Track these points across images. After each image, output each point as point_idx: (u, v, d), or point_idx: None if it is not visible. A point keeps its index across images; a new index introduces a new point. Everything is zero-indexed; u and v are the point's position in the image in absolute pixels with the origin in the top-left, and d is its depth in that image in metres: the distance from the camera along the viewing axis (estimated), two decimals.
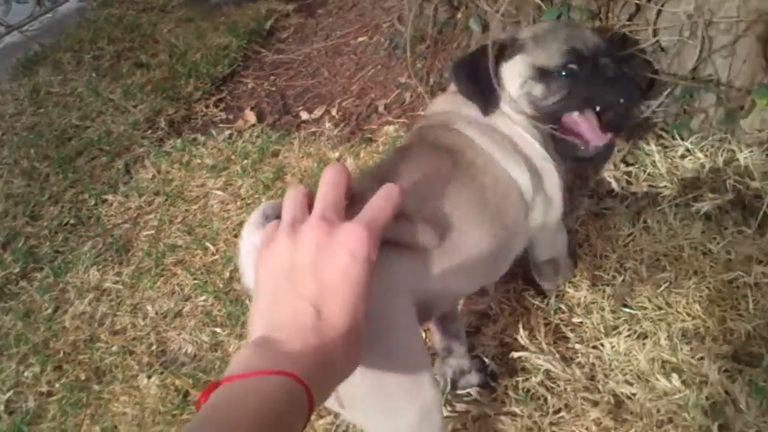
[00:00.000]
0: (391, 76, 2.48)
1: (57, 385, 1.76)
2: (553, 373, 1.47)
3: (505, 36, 1.43)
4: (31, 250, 2.18)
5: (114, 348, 1.82)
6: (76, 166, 2.45)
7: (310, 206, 0.81)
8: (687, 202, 1.66)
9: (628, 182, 1.76)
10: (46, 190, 2.37)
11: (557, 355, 1.49)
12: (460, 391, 1.51)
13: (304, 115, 2.50)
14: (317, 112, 2.49)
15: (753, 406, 1.33)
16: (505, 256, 1.32)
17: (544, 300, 1.60)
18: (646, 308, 1.52)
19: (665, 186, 1.70)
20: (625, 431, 1.37)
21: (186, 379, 1.66)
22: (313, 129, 2.40)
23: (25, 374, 1.81)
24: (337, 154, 2.22)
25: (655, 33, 1.65)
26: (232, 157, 2.33)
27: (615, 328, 1.51)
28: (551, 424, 1.42)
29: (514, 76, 1.37)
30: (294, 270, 0.75)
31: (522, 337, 1.51)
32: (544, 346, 1.51)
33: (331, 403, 0.99)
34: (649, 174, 1.74)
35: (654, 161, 1.72)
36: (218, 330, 1.76)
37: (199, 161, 2.35)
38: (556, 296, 1.60)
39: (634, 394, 1.42)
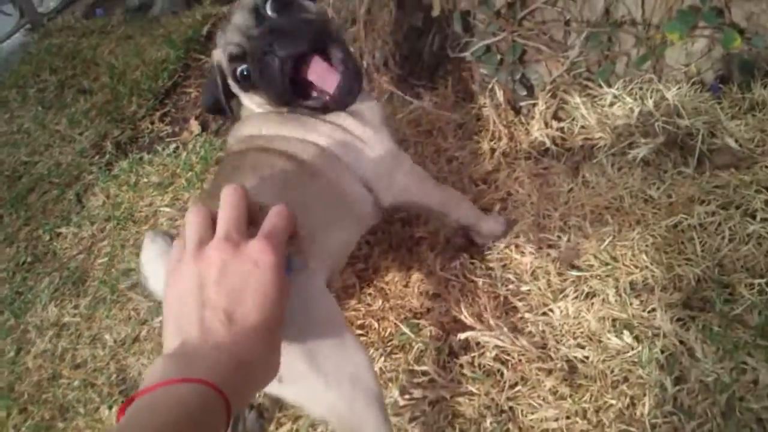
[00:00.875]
0: None
1: (23, 429, 1.75)
2: (504, 347, 1.44)
3: None
4: None
5: (76, 383, 1.80)
6: (28, 203, 2.44)
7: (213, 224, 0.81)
8: (623, 151, 1.61)
9: (563, 138, 1.71)
10: (0, 232, 2.35)
11: (505, 329, 1.46)
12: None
13: None
14: None
15: (709, 353, 1.29)
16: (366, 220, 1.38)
17: (491, 272, 1.57)
18: (592, 266, 1.48)
19: (600, 137, 1.65)
20: (580, 397, 1.34)
21: None
22: None
23: None
24: None
25: None
26: (177, 171, 2.30)
27: (562, 291, 1.47)
28: (508, 399, 1.38)
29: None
30: (202, 287, 0.75)
31: (466, 316, 1.48)
32: (492, 321, 1.47)
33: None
34: (582, 127, 1.69)
35: (583, 114, 1.67)
36: None
37: (146, 180, 2.32)
38: (503, 265, 1.57)
39: (587, 357, 1.38)
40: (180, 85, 2.76)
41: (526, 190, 1.64)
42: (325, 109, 1.32)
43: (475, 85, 1.83)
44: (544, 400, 1.36)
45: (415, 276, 1.61)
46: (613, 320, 1.40)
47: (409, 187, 1.42)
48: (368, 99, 1.38)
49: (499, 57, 1.77)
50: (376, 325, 1.57)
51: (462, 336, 1.47)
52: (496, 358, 1.45)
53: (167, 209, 2.17)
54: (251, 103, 1.35)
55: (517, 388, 1.39)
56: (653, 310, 1.37)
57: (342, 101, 1.30)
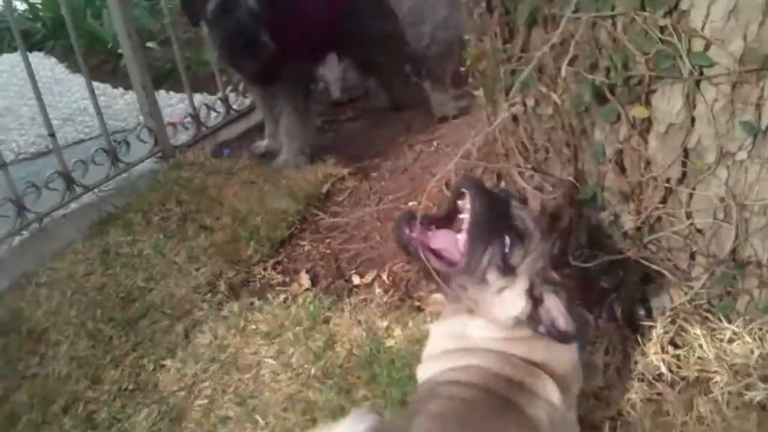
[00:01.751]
0: None
1: None
2: None
3: None
4: (90, 416, 2.24)
5: None
6: (138, 329, 2.55)
7: None
8: (739, 391, 1.62)
9: (678, 366, 1.74)
10: (108, 353, 2.46)
11: None
12: None
13: (356, 280, 2.58)
14: (368, 277, 2.57)
15: None
16: None
17: None
18: None
19: (716, 371, 1.68)
20: None
21: None
22: (363, 295, 2.46)
23: None
24: (385, 323, 2.27)
25: (689, 215, 1.68)
26: (285, 323, 2.39)
27: None
28: None
29: None
30: None
31: None
32: None
33: None
34: (698, 358, 1.72)
35: (701, 345, 1.70)
36: None
37: (254, 327, 2.42)
38: None
39: None
40: (295, 237, 2.92)
41: (638, 413, 1.66)
42: None
43: (594, 297, 1.89)
44: None
45: None
46: None
47: None
48: None
49: (621, 274, 1.84)
50: None
51: None
52: None
53: (272, 361, 2.25)
54: None
55: None
56: None
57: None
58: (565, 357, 1.42)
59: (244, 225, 2.97)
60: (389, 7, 3.79)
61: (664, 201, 1.73)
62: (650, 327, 1.80)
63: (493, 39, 1.94)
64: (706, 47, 1.54)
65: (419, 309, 2.28)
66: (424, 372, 1.48)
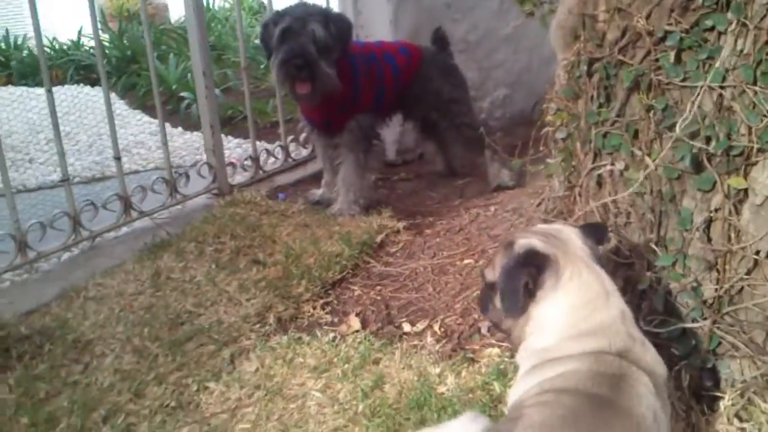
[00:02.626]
0: None
1: None
2: None
3: None
4: (129, 428, 2.21)
5: None
6: (184, 351, 2.54)
7: None
8: None
9: None
10: (152, 370, 2.44)
11: None
12: None
13: (407, 327, 2.57)
14: (420, 326, 2.55)
15: None
16: None
17: None
18: None
19: None
20: None
21: None
22: (414, 342, 2.45)
23: None
24: (438, 370, 2.24)
25: None
26: (334, 360, 2.37)
27: None
28: None
29: None
30: None
31: None
32: None
33: None
34: None
35: None
36: None
37: (302, 360, 2.40)
38: None
39: None
40: (346, 281, 2.94)
41: None
42: None
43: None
44: None
45: None
46: None
47: None
48: None
49: (693, 342, 1.82)
50: None
51: None
52: None
53: (318, 394, 2.22)
54: None
55: None
56: None
57: None
58: (644, 341, 1.46)
59: (296, 263, 2.99)
60: (461, 75, 3.91)
61: (749, 273, 1.72)
62: (717, 398, 1.77)
63: (588, 102, 1.99)
64: None
65: (473, 360, 2.26)
66: (515, 392, 1.46)
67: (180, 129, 5.64)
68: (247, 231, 3.35)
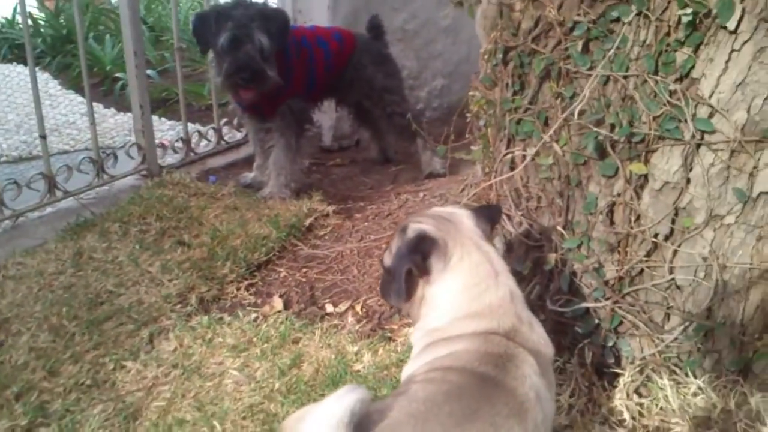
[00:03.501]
0: None
1: None
2: None
3: None
4: (42, 405, 2.18)
5: None
6: (102, 330, 2.51)
7: None
8: None
9: (641, 414, 1.77)
10: (69, 349, 2.41)
11: None
12: None
13: (329, 308, 2.59)
14: (342, 307, 2.58)
15: None
16: None
17: None
18: None
19: (677, 422, 1.71)
20: None
21: None
22: (336, 322, 2.48)
23: None
24: (356, 349, 2.27)
25: (671, 271, 1.75)
26: (254, 339, 2.38)
27: None
28: None
29: None
30: None
31: None
32: None
33: None
34: (661, 408, 1.76)
35: (666, 396, 1.74)
36: None
37: (221, 340, 2.40)
38: None
39: None
40: (272, 263, 2.94)
41: None
42: None
43: (566, 341, 1.93)
44: None
45: None
46: None
47: None
48: None
49: (596, 321, 1.89)
50: None
51: None
52: None
53: (235, 372, 2.23)
54: None
55: None
56: None
57: None
58: (531, 321, 1.51)
59: (222, 245, 2.98)
60: (394, 64, 3.94)
61: (648, 255, 1.80)
62: (618, 375, 1.84)
63: (503, 89, 2.04)
64: (711, 115, 1.65)
65: (390, 339, 2.30)
66: (407, 370, 1.49)
67: (113, 110, 5.51)
68: (174, 212, 3.32)
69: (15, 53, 7.68)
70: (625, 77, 1.73)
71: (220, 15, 3.27)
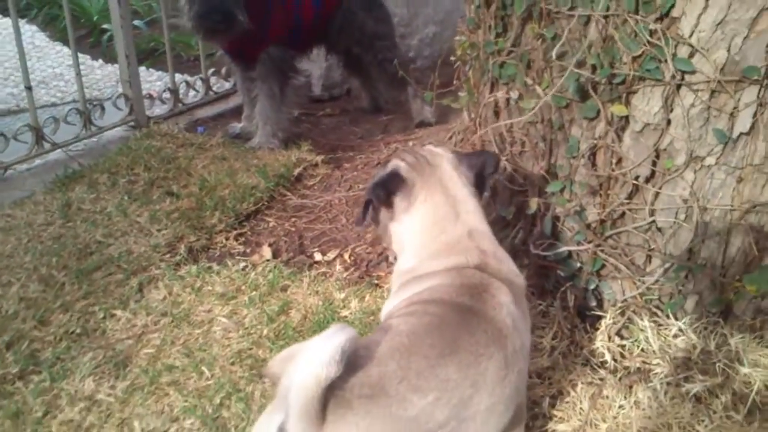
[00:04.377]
0: None
1: None
2: None
3: None
4: (33, 354, 2.21)
5: None
6: (92, 279, 2.52)
7: None
8: (678, 382, 1.69)
9: (622, 355, 1.80)
10: (59, 298, 2.43)
11: None
12: None
13: (318, 256, 2.61)
14: (330, 255, 2.60)
15: None
16: None
17: None
18: None
19: (657, 363, 1.74)
20: None
21: None
22: (324, 270, 2.50)
23: None
24: (343, 295, 2.30)
25: (652, 213, 1.76)
26: (243, 287, 2.40)
27: None
28: None
29: None
30: None
31: None
32: None
33: None
34: (642, 350, 1.78)
35: (647, 337, 1.77)
36: None
37: (210, 288, 2.42)
38: None
39: None
40: (261, 213, 2.95)
41: (578, 393, 1.71)
42: None
43: (548, 284, 1.95)
44: None
45: None
46: None
47: None
48: None
49: (578, 265, 1.90)
50: None
51: None
52: None
53: (224, 320, 2.26)
54: None
55: None
56: None
57: None
58: (497, 253, 1.53)
59: (210, 195, 2.98)
60: (385, 10, 3.88)
61: (629, 198, 1.81)
62: (600, 317, 1.86)
63: (486, 32, 2.01)
64: (691, 54, 1.63)
65: (378, 286, 2.31)
66: (386, 308, 1.52)
67: (100, 61, 5.45)
68: (162, 163, 3.31)
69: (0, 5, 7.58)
70: (606, 17, 1.71)
71: None
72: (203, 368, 2.05)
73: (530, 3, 1.86)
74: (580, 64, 1.77)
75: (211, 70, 4.34)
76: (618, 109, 1.73)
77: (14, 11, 3.35)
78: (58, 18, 6.66)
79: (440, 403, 1.19)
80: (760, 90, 1.56)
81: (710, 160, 1.68)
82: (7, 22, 6.89)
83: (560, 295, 1.90)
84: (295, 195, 3.07)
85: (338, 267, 2.50)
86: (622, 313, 1.83)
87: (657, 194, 1.75)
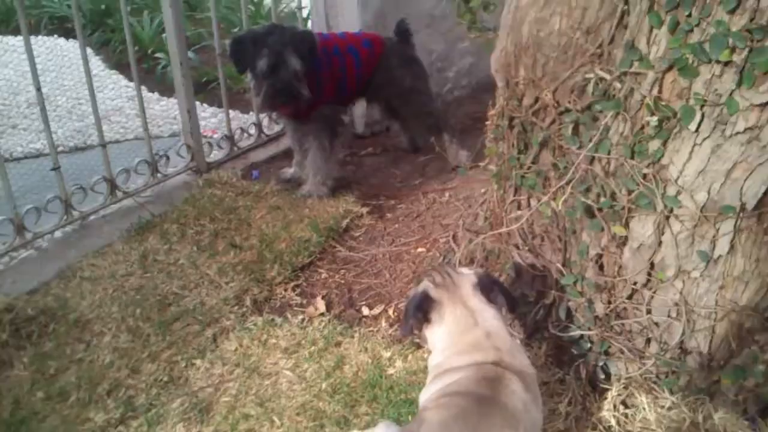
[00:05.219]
0: None
1: None
2: None
3: None
4: (129, 400, 2.60)
5: None
6: (172, 330, 2.93)
7: None
8: None
9: (625, 422, 2.17)
10: (146, 348, 2.83)
11: None
12: None
13: (365, 311, 2.99)
14: (376, 310, 2.98)
15: None
16: None
17: None
18: None
19: (654, 430, 2.10)
20: None
21: None
22: (371, 326, 2.88)
23: None
24: (389, 354, 2.67)
25: (648, 311, 2.12)
26: (303, 342, 2.79)
27: None
28: None
29: None
30: None
31: None
32: None
33: None
34: (642, 418, 2.15)
35: (646, 408, 2.13)
36: None
37: (275, 341, 2.81)
38: None
39: None
40: (314, 264, 3.34)
41: None
42: None
43: (565, 357, 2.32)
44: None
45: None
46: None
47: None
48: None
49: (589, 345, 2.27)
50: None
51: None
52: None
53: (289, 373, 2.65)
54: None
55: None
56: None
57: None
58: (511, 350, 1.90)
59: (270, 248, 3.38)
60: (421, 66, 4.24)
61: (630, 297, 2.17)
62: (607, 389, 2.23)
63: (510, 147, 2.38)
64: (678, 193, 1.98)
65: (418, 346, 2.69)
66: (422, 396, 1.92)
67: (156, 94, 5.81)
68: (225, 213, 3.72)
69: (55, 24, 7.91)
70: (608, 159, 2.08)
71: (256, 40, 3.58)
72: (274, 418, 2.45)
73: (546, 136, 2.22)
74: (588, 190, 2.13)
75: (263, 115, 4.70)
76: (618, 230, 2.09)
77: (82, 38, 3.69)
78: (111, 41, 7.01)
79: None
80: (736, 221, 1.90)
81: (696, 274, 2.03)
82: (62, 43, 7.21)
83: (574, 368, 2.28)
84: (344, 247, 3.46)
85: (383, 323, 2.88)
86: (626, 387, 2.19)
87: (652, 296, 2.11)
